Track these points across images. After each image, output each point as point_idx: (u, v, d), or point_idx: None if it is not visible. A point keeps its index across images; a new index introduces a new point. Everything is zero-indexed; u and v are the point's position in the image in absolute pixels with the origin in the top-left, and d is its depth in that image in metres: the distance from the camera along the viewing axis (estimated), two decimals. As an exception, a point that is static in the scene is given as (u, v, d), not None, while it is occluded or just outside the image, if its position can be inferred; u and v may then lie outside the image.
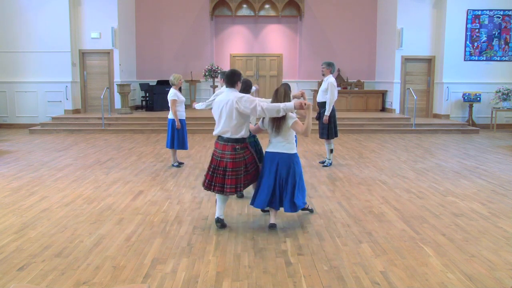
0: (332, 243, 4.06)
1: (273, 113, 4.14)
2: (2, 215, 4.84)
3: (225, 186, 4.30)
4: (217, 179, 4.33)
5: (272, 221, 4.46)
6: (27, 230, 4.38)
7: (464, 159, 8.14)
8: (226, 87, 4.41)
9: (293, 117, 4.25)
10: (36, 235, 4.25)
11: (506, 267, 3.57)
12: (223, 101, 4.30)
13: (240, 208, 5.15)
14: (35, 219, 4.71)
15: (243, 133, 4.32)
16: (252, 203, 4.44)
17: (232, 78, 4.34)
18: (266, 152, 4.44)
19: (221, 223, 4.43)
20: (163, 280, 3.34)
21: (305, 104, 4.03)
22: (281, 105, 4.11)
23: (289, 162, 4.29)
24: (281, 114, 4.14)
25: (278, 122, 4.24)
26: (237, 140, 4.31)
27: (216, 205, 4.50)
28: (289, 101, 4.33)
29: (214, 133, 4.43)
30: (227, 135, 4.31)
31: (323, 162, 7.56)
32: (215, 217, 4.46)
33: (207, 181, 4.42)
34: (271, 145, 4.37)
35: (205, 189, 4.45)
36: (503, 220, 4.74)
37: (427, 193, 5.79)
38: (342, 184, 6.29)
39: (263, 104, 4.15)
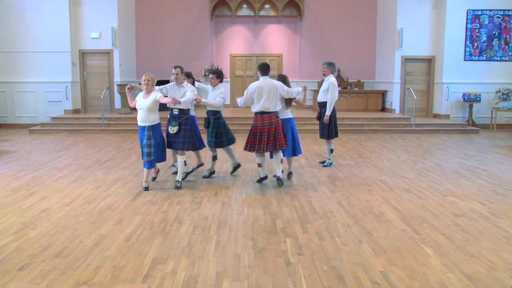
0: (332, 243, 4.06)
1: (293, 95, 6.28)
2: (2, 215, 4.84)
3: (277, 144, 6.02)
4: (269, 141, 6.00)
5: (279, 174, 6.16)
6: (27, 230, 4.38)
7: (464, 159, 8.14)
8: (262, 76, 6.07)
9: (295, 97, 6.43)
10: (36, 235, 4.25)
11: (506, 267, 3.57)
12: (267, 86, 5.99)
13: (240, 208, 5.15)
14: (35, 219, 4.71)
15: (279, 107, 6.13)
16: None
17: (268, 69, 6.09)
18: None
19: (281, 181, 6.10)
20: (163, 280, 3.34)
21: (305, 87, 6.60)
22: (297, 89, 6.40)
23: (292, 122, 6.54)
24: (295, 95, 6.34)
25: (289, 99, 6.40)
26: (276, 112, 6.08)
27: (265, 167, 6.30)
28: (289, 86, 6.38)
29: (257, 110, 5.99)
30: (270, 110, 5.99)
31: (323, 162, 7.57)
32: (277, 176, 6.14)
33: (260, 146, 5.99)
34: (282, 114, 6.35)
35: (256, 151, 6.06)
36: (503, 220, 4.74)
37: (427, 193, 5.79)
38: (342, 184, 6.29)
39: (289, 88, 6.22)
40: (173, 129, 6.02)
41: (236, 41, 14.98)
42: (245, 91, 6.14)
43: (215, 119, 6.47)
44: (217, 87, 6.47)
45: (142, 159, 5.84)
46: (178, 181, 6.05)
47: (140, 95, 5.84)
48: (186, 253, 3.84)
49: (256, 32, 14.92)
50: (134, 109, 6.39)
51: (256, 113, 6.07)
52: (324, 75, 7.28)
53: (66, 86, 12.59)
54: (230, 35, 14.96)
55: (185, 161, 6.19)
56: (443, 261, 3.68)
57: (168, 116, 6.19)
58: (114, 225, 4.55)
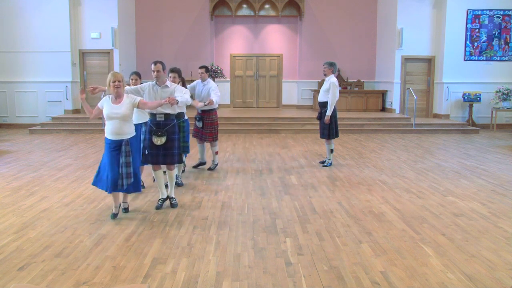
0: (332, 243, 4.06)
1: None
2: (2, 215, 4.84)
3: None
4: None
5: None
6: (27, 230, 4.38)
7: (464, 159, 8.14)
8: (210, 77, 7.07)
9: None
10: (36, 235, 4.25)
11: (506, 267, 3.57)
12: None
13: (240, 208, 5.15)
14: (35, 219, 4.71)
15: None
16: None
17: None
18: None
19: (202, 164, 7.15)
20: (163, 280, 3.34)
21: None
22: None
23: None
24: None
25: None
26: None
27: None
28: None
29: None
30: None
31: (323, 162, 7.57)
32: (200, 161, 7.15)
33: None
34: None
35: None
36: (503, 220, 4.74)
37: (427, 193, 5.79)
38: (342, 184, 6.29)
39: None
40: (159, 140, 4.93)
41: (236, 41, 14.97)
42: (217, 90, 6.68)
43: (183, 121, 5.82)
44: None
45: (116, 183, 4.52)
46: (173, 197, 5.21)
47: (107, 101, 4.56)
48: (186, 253, 3.84)
49: (256, 32, 14.92)
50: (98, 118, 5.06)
51: (216, 108, 6.96)
52: (325, 75, 7.27)
53: (66, 86, 12.59)
54: (230, 35, 14.96)
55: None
56: (443, 261, 3.68)
57: (149, 123, 5.09)
58: (114, 225, 4.54)
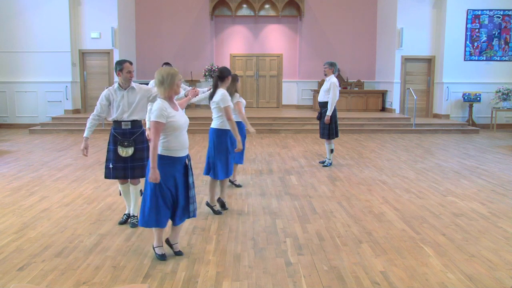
0: (332, 243, 4.06)
1: None
2: (2, 215, 4.84)
3: None
4: None
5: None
6: (27, 230, 4.38)
7: (464, 159, 8.14)
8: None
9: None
10: (36, 235, 4.25)
11: (506, 267, 3.57)
12: None
13: (240, 208, 5.15)
14: (35, 219, 4.71)
15: None
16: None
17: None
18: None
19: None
20: (163, 280, 3.34)
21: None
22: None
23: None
24: None
25: None
26: None
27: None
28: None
29: None
30: None
31: (323, 162, 7.57)
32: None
33: None
34: None
35: None
36: (503, 220, 4.74)
37: (427, 193, 5.79)
38: (342, 184, 6.29)
39: None
40: (126, 152, 4.26)
41: (236, 41, 14.97)
42: None
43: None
44: None
45: (187, 210, 3.67)
46: (135, 216, 4.51)
47: (169, 108, 3.41)
48: (186, 253, 3.84)
49: (256, 32, 14.92)
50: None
51: None
52: (326, 75, 7.27)
53: (66, 86, 12.59)
54: (230, 35, 14.96)
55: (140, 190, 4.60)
56: (443, 261, 3.68)
57: (112, 132, 4.38)
58: (114, 225, 4.54)
